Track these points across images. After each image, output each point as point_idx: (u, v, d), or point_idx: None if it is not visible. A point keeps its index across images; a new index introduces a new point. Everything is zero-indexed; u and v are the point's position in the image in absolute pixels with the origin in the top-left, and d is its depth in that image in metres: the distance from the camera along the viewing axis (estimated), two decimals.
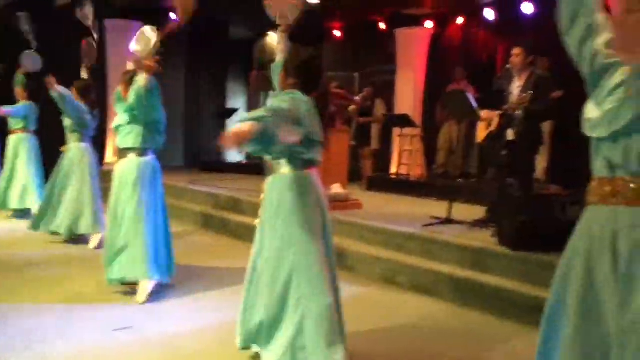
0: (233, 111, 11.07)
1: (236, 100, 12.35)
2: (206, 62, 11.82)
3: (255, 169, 9.74)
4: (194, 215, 7.02)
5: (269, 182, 2.84)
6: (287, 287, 2.66)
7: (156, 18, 5.45)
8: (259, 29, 12.02)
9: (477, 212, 5.36)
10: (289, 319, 2.65)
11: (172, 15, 3.96)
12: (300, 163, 2.75)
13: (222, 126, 11.15)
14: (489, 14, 8.66)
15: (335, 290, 2.77)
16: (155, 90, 3.94)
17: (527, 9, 8.17)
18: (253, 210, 6.48)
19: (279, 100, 2.70)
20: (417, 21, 9.42)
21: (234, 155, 11.85)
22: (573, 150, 7.49)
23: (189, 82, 11.81)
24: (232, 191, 7.26)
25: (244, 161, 10.95)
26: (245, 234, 6.14)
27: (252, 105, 12.40)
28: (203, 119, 11.81)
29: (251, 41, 12.52)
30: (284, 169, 2.75)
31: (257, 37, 12.43)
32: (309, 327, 2.58)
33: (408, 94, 9.37)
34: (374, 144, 9.00)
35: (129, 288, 4.06)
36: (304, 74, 2.79)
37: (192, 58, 11.65)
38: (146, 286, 3.93)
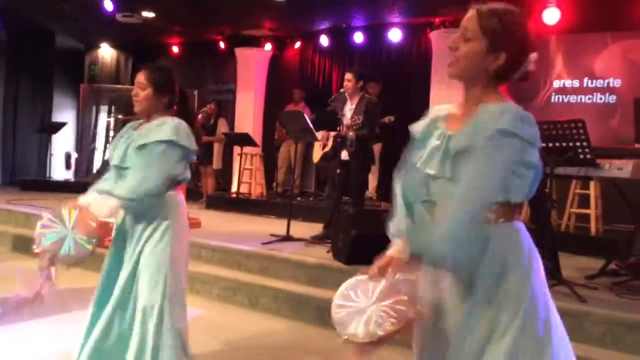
0: (60, 126, 10.25)
1: (64, 114, 11.45)
2: (28, 73, 10.84)
3: (82, 187, 9.10)
4: (8, 237, 6.35)
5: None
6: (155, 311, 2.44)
7: None
8: (89, 39, 11.35)
9: (315, 229, 5.54)
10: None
11: None
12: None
13: (47, 142, 10.24)
14: (324, 40, 9.10)
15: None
16: None
17: (358, 38, 8.74)
18: None
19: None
20: (257, 42, 9.59)
21: (59, 173, 10.96)
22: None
23: (7, 93, 10.73)
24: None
25: (71, 179, 10.17)
26: None
27: (82, 120, 11.60)
28: (24, 134, 10.77)
29: (80, 52, 11.76)
30: None
31: (87, 48, 11.71)
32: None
33: (248, 113, 9.45)
34: (216, 164, 8.90)
35: None
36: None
37: (11, 67, 10.61)
38: None
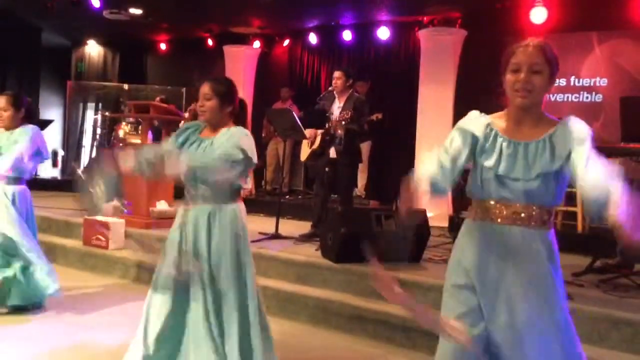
0: (46, 123, 10.14)
1: (51, 111, 11.35)
2: (15, 70, 10.72)
3: (70, 186, 9.01)
4: None
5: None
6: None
7: None
8: (76, 36, 11.26)
9: (304, 227, 5.54)
10: None
11: None
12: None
13: None
14: (313, 38, 9.09)
15: None
16: None
17: (347, 36, 8.75)
18: (67, 230, 6.01)
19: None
20: (245, 40, 9.56)
21: (45, 171, 10.86)
22: (387, 169, 8.20)
23: None
24: (43, 210, 6.63)
25: (58, 177, 10.08)
26: (60, 257, 5.64)
27: (69, 117, 11.51)
28: None
29: (67, 48, 11.66)
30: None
31: (73, 45, 11.62)
32: None
33: None
34: None
35: None
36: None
37: None
38: None
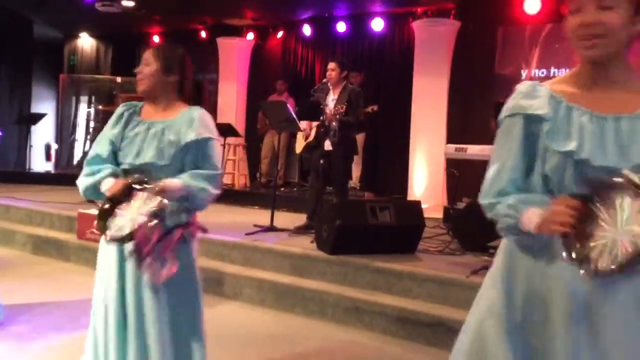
0: (39, 117, 10.09)
1: (43, 104, 11.28)
2: (6, 63, 10.63)
3: (63, 179, 8.98)
4: None
5: None
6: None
7: None
8: (68, 29, 11.17)
9: (299, 219, 5.54)
10: None
11: None
12: None
13: (26, 133, 10.09)
14: (307, 29, 9.06)
15: None
16: None
17: (341, 27, 8.72)
18: (61, 224, 5.98)
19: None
20: (239, 32, 9.51)
21: (39, 165, 10.81)
22: (382, 161, 8.20)
23: None
24: (37, 204, 6.61)
25: (52, 171, 10.02)
26: (54, 250, 5.63)
27: (62, 111, 11.44)
28: (2, 125, 10.58)
29: (59, 41, 11.57)
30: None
31: (66, 38, 11.53)
32: None
33: (230, 104, 9.39)
34: None
35: None
36: None
37: None
38: None
